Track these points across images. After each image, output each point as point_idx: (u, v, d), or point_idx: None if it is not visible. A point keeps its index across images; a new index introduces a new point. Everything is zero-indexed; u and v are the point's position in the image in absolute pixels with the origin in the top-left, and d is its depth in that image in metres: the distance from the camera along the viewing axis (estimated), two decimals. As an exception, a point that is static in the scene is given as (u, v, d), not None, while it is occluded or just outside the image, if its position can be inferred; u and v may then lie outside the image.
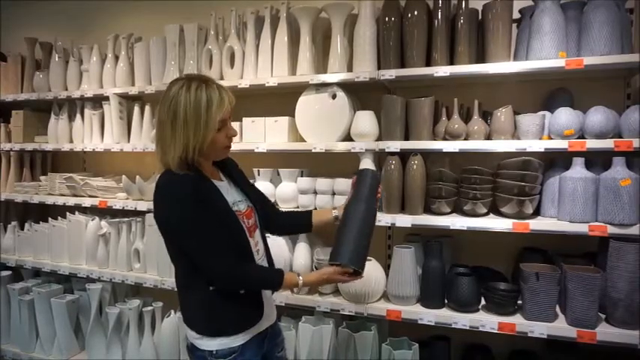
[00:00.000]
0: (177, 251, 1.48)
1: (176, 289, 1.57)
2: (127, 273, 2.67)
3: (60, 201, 2.94)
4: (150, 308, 2.56)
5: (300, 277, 1.53)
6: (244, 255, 1.50)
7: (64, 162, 3.48)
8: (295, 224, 1.81)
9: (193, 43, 2.58)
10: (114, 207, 2.74)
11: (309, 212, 1.77)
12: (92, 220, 2.80)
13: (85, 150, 2.98)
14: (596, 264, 1.94)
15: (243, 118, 2.47)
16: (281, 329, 1.74)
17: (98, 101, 2.94)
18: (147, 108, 2.79)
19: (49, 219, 2.97)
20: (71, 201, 2.90)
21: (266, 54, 2.42)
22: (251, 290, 1.52)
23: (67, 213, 2.90)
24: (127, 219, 2.71)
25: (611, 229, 1.81)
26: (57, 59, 3.04)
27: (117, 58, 2.88)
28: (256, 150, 2.39)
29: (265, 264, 1.63)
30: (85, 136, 2.96)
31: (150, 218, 2.60)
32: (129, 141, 2.85)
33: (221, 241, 1.42)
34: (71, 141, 3.03)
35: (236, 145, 2.46)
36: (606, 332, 1.77)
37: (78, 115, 2.99)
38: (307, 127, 2.33)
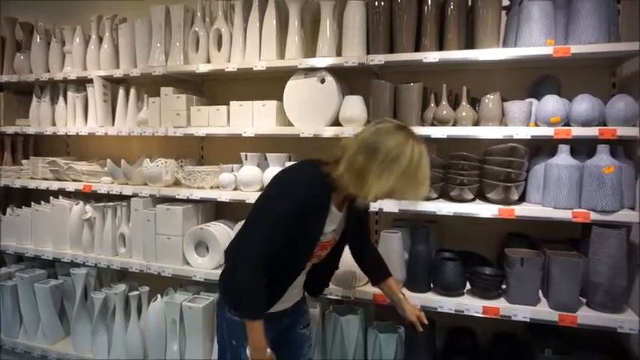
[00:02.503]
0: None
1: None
2: (112, 258, 2.65)
3: (43, 185, 2.88)
4: (136, 293, 2.54)
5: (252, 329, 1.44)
6: (287, 267, 1.54)
7: (46, 146, 3.40)
8: (371, 269, 1.85)
9: (179, 25, 2.52)
10: (99, 191, 2.70)
11: (388, 275, 1.80)
12: (76, 204, 2.76)
13: (68, 134, 2.93)
14: (579, 250, 1.97)
15: (231, 102, 2.44)
16: (306, 310, 1.81)
17: (81, 84, 2.87)
18: (132, 91, 2.74)
19: (32, 203, 2.92)
20: (54, 185, 2.85)
21: (254, 37, 2.38)
22: (239, 291, 1.48)
23: (51, 197, 2.85)
24: (112, 203, 2.68)
25: (594, 216, 1.85)
26: (38, 40, 2.96)
27: (100, 39, 2.82)
28: (244, 134, 2.37)
29: (304, 276, 1.68)
30: (69, 119, 2.90)
31: (136, 202, 2.58)
32: (113, 124, 2.81)
33: (276, 244, 1.44)
34: (54, 124, 2.96)
35: (223, 130, 2.44)
36: (587, 316, 1.82)
37: (61, 98, 2.92)
38: (295, 111, 2.32)
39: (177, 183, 2.63)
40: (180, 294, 2.48)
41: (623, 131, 1.82)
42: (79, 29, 2.86)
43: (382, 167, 1.35)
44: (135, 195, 2.60)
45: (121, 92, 2.76)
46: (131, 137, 2.78)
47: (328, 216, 1.50)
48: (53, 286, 2.72)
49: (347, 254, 1.83)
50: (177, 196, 2.50)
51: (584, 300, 1.89)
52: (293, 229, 1.44)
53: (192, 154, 2.88)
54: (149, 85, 2.75)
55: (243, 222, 1.63)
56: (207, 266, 2.40)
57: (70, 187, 2.79)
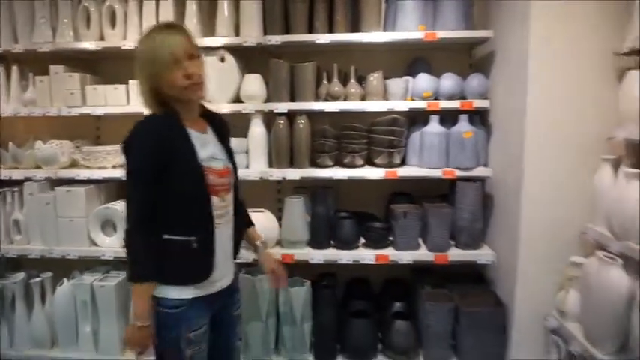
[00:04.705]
0: None
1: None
2: (7, 246, 2.51)
3: None
4: (38, 279, 2.46)
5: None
6: (195, 209, 1.46)
7: None
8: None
9: (67, 0, 2.42)
10: (-17, 178, 2.52)
11: (250, 224, 1.78)
12: (-43, 193, 2.55)
13: (-62, 116, 2.65)
14: (448, 202, 2.39)
15: (130, 81, 2.44)
16: (238, 288, 1.70)
17: (-50, 61, 2.61)
18: (14, 69, 2.56)
19: None
20: None
21: (151, 15, 2.38)
22: (130, 254, 1.44)
23: None
24: (1, 190, 2.53)
25: (459, 173, 2.25)
26: None
27: (-29, 11, 2.57)
28: (145, 113, 2.38)
29: (229, 230, 1.58)
30: (-63, 100, 2.62)
31: (30, 187, 2.47)
32: (-5, 105, 2.61)
33: (148, 199, 1.40)
34: None
35: (122, 109, 2.43)
36: (455, 254, 2.25)
37: None
38: (198, 89, 2.39)
39: (74, 164, 2.56)
40: (89, 275, 2.46)
41: (477, 103, 2.24)
42: (-60, -1, 2.57)
43: (136, 64, 1.45)
44: (27, 179, 2.49)
45: (1, 70, 2.57)
46: (17, 118, 2.60)
47: (191, 138, 1.46)
48: None
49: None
50: (76, 178, 2.45)
51: (453, 242, 2.32)
52: (166, 171, 1.40)
53: (87, 134, 2.80)
54: (34, 63, 2.59)
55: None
56: (116, 244, 2.41)
57: (-53, 175, 2.56)
